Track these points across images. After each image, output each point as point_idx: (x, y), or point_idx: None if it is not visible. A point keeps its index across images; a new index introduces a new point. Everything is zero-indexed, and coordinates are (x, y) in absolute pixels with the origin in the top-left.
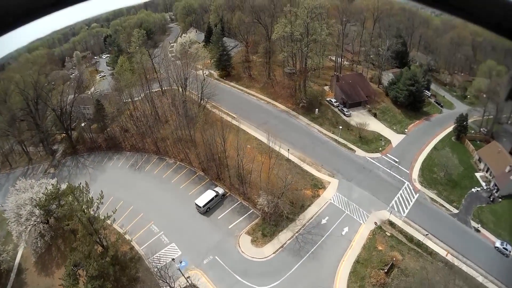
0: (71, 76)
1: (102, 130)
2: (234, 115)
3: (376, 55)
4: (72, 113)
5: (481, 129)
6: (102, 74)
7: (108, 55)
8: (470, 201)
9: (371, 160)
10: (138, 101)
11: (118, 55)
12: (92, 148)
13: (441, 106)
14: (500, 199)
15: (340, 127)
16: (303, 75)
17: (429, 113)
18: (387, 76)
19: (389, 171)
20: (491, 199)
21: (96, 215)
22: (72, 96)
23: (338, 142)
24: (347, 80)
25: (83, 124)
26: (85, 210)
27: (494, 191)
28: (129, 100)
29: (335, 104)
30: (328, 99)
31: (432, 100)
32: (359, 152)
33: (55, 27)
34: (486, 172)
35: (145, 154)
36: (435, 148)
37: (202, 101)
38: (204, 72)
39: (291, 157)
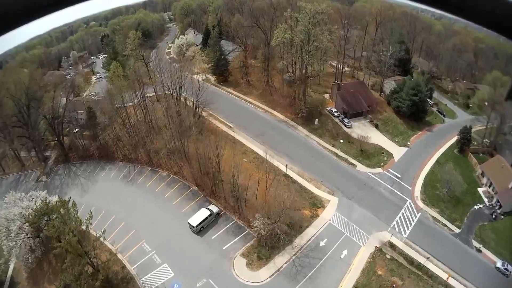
0: (67, 77)
1: (94, 138)
2: (230, 125)
3: (378, 62)
4: (64, 120)
5: (484, 140)
6: (98, 75)
7: (105, 56)
8: (473, 219)
9: (373, 176)
10: (132, 106)
11: (114, 58)
12: (84, 156)
13: (444, 116)
14: (502, 216)
15: (341, 140)
16: (303, 84)
17: (432, 123)
18: (389, 84)
19: (391, 187)
20: (493, 216)
21: (86, 231)
22: (65, 100)
23: (339, 156)
24: (348, 88)
25: (76, 130)
26: (75, 232)
27: (496, 208)
28: (122, 106)
29: (335, 114)
30: (328, 108)
31: (434, 109)
32: (360, 167)
33: (55, 25)
34: (489, 187)
35: (138, 165)
36: (437, 162)
37: (197, 109)
38: (201, 77)
39: (290, 172)
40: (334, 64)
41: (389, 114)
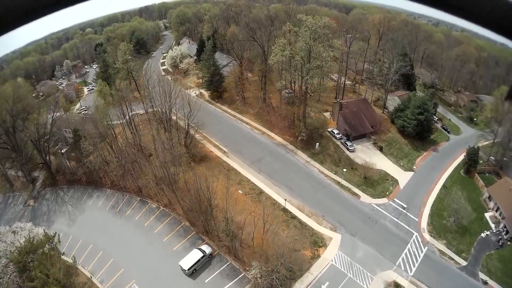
0: (60, 87)
1: (81, 163)
2: (224, 149)
3: (381, 75)
4: (50, 141)
5: (490, 158)
6: (91, 87)
7: (98, 66)
8: (480, 248)
9: (377, 207)
10: (121, 125)
11: (104, 71)
12: (71, 180)
13: (448, 132)
14: (509, 243)
15: (344, 170)
16: (303, 104)
17: (437, 142)
18: (393, 101)
19: (396, 220)
20: (500, 244)
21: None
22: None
23: (341, 186)
24: (351, 108)
25: (64, 150)
26: (60, 280)
27: (503, 233)
28: (109, 127)
29: (337, 136)
30: (329, 129)
31: (439, 125)
32: (364, 197)
33: (52, 30)
34: (496, 211)
35: (127, 194)
36: (444, 186)
37: (188, 134)
38: (195, 92)
39: (289, 206)
40: (334, 77)
41: (393, 134)
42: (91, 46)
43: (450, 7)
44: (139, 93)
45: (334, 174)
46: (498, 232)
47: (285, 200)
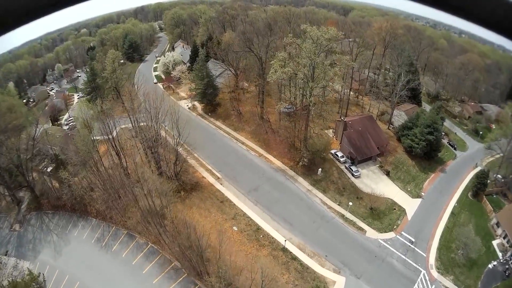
0: (51, 93)
1: (65, 186)
2: (218, 174)
3: (385, 84)
4: (34, 159)
5: (497, 176)
6: (81, 94)
7: None
8: (487, 281)
9: (384, 243)
10: (106, 142)
11: (92, 80)
12: (56, 206)
13: (455, 149)
14: None
15: (350, 203)
16: (304, 124)
17: (444, 161)
18: (399, 116)
19: (404, 257)
20: (507, 274)
21: None
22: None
23: (346, 219)
24: (355, 127)
25: (49, 169)
26: None
27: (510, 262)
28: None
29: (341, 159)
30: (333, 151)
31: (445, 141)
32: (370, 232)
33: (48, 29)
34: (504, 238)
35: (113, 225)
36: (452, 213)
37: (177, 161)
38: (187, 104)
39: (289, 245)
40: (337, 87)
41: (400, 154)
42: (84, 48)
43: (451, 7)
44: (125, 109)
45: (338, 205)
46: (505, 261)
47: (285, 240)
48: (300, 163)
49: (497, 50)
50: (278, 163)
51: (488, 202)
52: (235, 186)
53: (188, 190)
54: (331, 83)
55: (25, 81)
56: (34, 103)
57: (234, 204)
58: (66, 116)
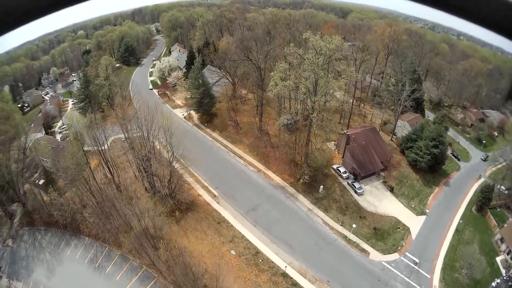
0: (46, 97)
1: (57, 202)
2: (215, 192)
3: (386, 90)
4: (25, 172)
5: (500, 188)
6: (76, 100)
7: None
8: None
9: (388, 265)
10: (99, 154)
11: (85, 87)
12: (48, 222)
13: (458, 159)
14: None
15: (354, 225)
16: (306, 142)
17: (448, 173)
18: (403, 126)
19: (408, 280)
20: None
21: None
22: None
23: (348, 241)
24: (359, 141)
25: (41, 182)
26: None
27: None
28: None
29: (344, 175)
30: (335, 166)
31: (449, 152)
32: (374, 254)
33: (47, 30)
34: (507, 254)
35: (106, 246)
36: (457, 230)
37: (172, 179)
38: (182, 114)
39: (289, 270)
40: (339, 95)
41: (404, 168)
42: (80, 51)
43: (451, 7)
44: (117, 119)
45: (341, 225)
46: (508, 278)
47: (286, 266)
48: (301, 181)
49: (498, 54)
50: (277, 179)
51: (492, 217)
52: (232, 205)
53: (183, 210)
54: (333, 92)
55: (21, 84)
56: (29, 108)
57: (232, 225)
58: (59, 124)
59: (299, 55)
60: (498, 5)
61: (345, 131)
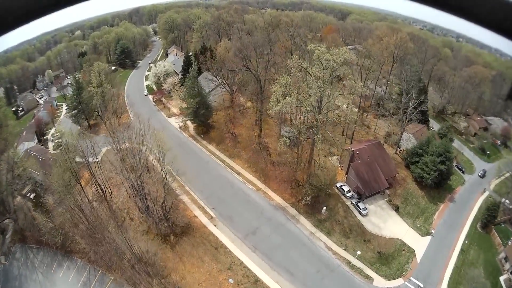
0: (40, 101)
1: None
2: (211, 213)
3: (389, 99)
4: (14, 185)
5: (504, 202)
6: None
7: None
8: None
9: None
10: (89, 167)
11: (78, 94)
12: (40, 241)
13: (463, 172)
14: None
15: (358, 252)
16: (308, 162)
17: (453, 188)
18: (408, 139)
19: None
20: None
21: None
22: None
23: (352, 266)
24: (363, 157)
25: (32, 196)
26: None
27: None
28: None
29: (347, 194)
30: (338, 185)
31: (454, 164)
32: (378, 280)
33: (45, 30)
34: (511, 274)
35: (99, 269)
36: (462, 250)
37: (165, 202)
38: (178, 123)
39: None
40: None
41: (409, 184)
42: (76, 52)
43: (451, 7)
44: (108, 132)
45: (344, 250)
46: None
47: None
48: (303, 202)
49: (500, 59)
50: (278, 199)
51: (496, 235)
52: (230, 228)
53: (178, 234)
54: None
55: (16, 87)
56: (23, 112)
57: (230, 251)
58: (52, 131)
59: (304, 68)
60: (498, 5)
61: (349, 147)
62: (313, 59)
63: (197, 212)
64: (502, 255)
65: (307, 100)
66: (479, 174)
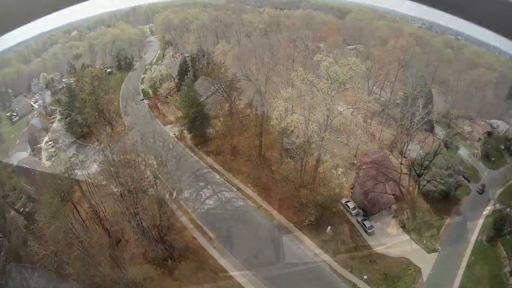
0: (35, 105)
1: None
2: (210, 234)
3: (394, 103)
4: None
5: (510, 211)
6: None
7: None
8: None
9: None
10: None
11: (71, 101)
12: (34, 262)
13: (468, 181)
14: None
15: (365, 276)
16: (312, 179)
17: (459, 199)
18: (414, 149)
19: None
20: None
21: None
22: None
23: None
24: (370, 172)
25: (26, 210)
26: None
27: None
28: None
29: (353, 211)
30: (343, 201)
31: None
32: None
33: (43, 29)
34: None
35: None
36: (468, 266)
37: (160, 226)
38: (174, 132)
39: None
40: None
41: (415, 198)
42: (71, 54)
43: (451, 7)
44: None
45: (350, 272)
46: None
47: None
48: (307, 221)
49: (503, 60)
50: (280, 217)
51: (502, 248)
52: (231, 250)
53: (176, 258)
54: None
55: (10, 91)
56: (18, 117)
57: (231, 276)
58: (46, 139)
59: (310, 81)
60: (498, 5)
61: (355, 161)
62: (318, 68)
63: (195, 233)
64: (507, 269)
65: (313, 117)
66: (478, 189)
